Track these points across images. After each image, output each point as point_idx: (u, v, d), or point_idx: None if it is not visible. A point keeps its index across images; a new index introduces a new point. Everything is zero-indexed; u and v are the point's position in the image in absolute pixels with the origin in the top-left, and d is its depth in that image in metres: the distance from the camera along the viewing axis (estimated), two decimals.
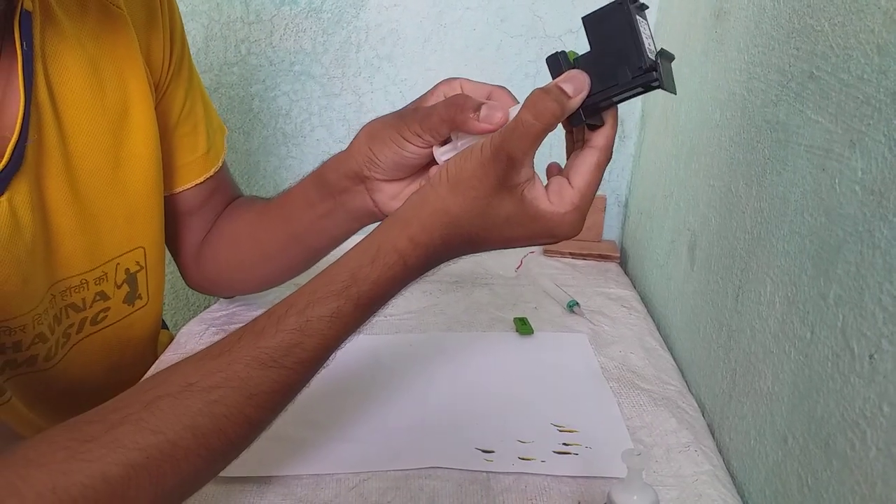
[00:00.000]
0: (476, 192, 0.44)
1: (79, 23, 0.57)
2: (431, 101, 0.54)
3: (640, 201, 1.01)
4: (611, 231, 1.09)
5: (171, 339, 0.84)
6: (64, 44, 0.56)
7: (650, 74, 0.42)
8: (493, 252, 1.02)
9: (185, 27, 0.69)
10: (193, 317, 0.83)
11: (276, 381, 0.42)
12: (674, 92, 0.44)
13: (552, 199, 0.45)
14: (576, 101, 0.44)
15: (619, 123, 1.07)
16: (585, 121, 0.45)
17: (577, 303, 0.83)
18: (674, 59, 0.44)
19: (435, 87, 0.55)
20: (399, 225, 0.45)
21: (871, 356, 0.41)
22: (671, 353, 0.77)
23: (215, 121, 0.74)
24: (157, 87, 0.66)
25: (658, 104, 0.94)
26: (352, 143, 0.59)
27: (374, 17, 1.00)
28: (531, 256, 1.01)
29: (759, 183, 0.58)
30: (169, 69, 0.66)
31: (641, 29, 0.43)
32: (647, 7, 0.44)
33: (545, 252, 1.03)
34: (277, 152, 1.08)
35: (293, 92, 1.04)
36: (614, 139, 0.46)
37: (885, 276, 0.40)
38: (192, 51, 0.70)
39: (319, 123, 1.06)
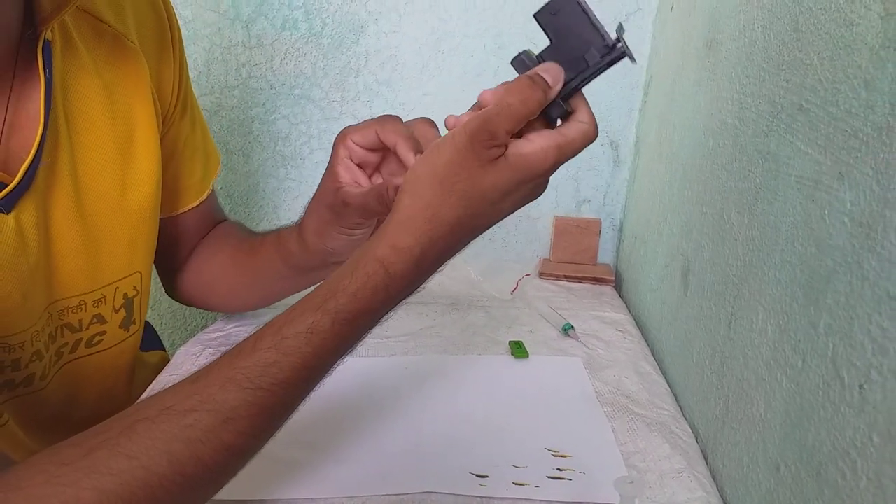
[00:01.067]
0: (456, 176, 0.44)
1: (94, 51, 0.59)
2: (340, 169, 0.58)
3: (634, 226, 1.02)
4: (605, 255, 1.10)
5: (167, 359, 0.84)
6: (82, 72, 0.58)
7: (617, 50, 0.45)
8: (488, 274, 1.04)
9: (186, 51, 0.70)
10: (190, 335, 0.83)
11: (254, 403, 0.40)
12: (634, 60, 0.46)
13: (532, 138, 0.45)
14: (554, 91, 0.45)
15: (614, 149, 1.08)
16: (564, 108, 0.47)
17: (572, 326, 0.84)
18: (624, 31, 0.46)
19: (334, 151, 0.59)
20: (379, 235, 0.45)
21: (860, 386, 0.41)
22: (665, 378, 0.77)
23: (210, 144, 0.76)
24: (165, 118, 0.68)
25: (652, 131, 0.95)
26: (303, 236, 0.64)
27: (373, 42, 1.01)
28: (526, 279, 1.02)
29: (751, 211, 0.59)
30: (178, 100, 0.68)
31: (592, 10, 0.45)
32: None
33: (540, 275, 1.03)
34: (276, 174, 1.09)
35: (293, 115, 1.05)
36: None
37: (873, 307, 0.40)
38: (194, 74, 0.71)
39: (318, 146, 1.07)
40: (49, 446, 0.39)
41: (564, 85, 0.46)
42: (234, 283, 0.75)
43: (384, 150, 0.58)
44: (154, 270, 0.74)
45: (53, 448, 0.38)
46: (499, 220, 0.47)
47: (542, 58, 0.47)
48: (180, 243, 0.76)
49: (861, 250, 0.42)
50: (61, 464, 0.37)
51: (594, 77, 0.46)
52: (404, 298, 0.45)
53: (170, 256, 0.76)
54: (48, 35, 0.53)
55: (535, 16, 0.46)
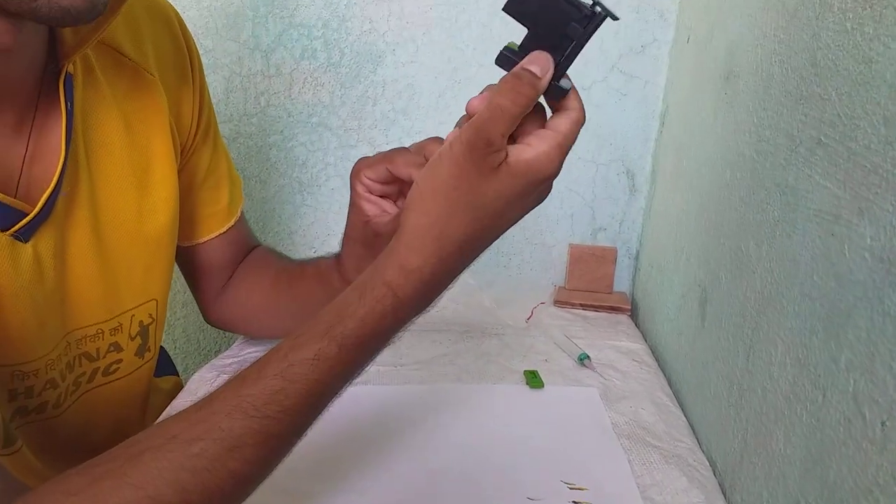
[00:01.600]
0: (458, 190, 0.43)
1: (115, 84, 0.60)
2: (363, 203, 0.58)
3: (650, 255, 1.02)
4: (621, 283, 1.10)
5: (180, 385, 0.85)
6: (102, 103, 0.59)
7: (598, 15, 0.43)
8: (503, 301, 1.04)
9: (206, 79, 0.72)
10: (204, 361, 0.83)
11: (260, 431, 0.40)
12: (616, 17, 0.44)
13: (532, 143, 0.44)
14: (545, 81, 0.43)
15: (630, 177, 1.09)
16: (563, 87, 0.45)
17: (588, 356, 0.84)
18: None
19: (352, 188, 0.59)
20: (386, 257, 0.44)
21: (883, 423, 0.41)
22: (682, 410, 0.76)
23: (233, 173, 0.77)
24: (184, 148, 0.69)
25: (669, 160, 0.96)
26: (345, 275, 0.64)
27: (390, 72, 1.03)
28: (542, 307, 1.02)
29: (769, 244, 0.59)
30: (197, 131, 0.70)
31: None
32: None
33: (555, 303, 1.03)
34: (293, 200, 1.10)
35: (310, 142, 1.07)
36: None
37: (895, 343, 0.40)
38: (213, 101, 0.72)
39: (335, 173, 1.08)
40: (60, 472, 0.39)
41: (555, 67, 0.44)
42: (279, 311, 0.75)
43: (401, 180, 0.58)
44: (170, 298, 0.75)
45: (61, 477, 0.38)
46: (508, 229, 0.47)
47: (524, 48, 0.45)
48: (214, 270, 0.76)
49: (882, 286, 0.42)
50: (68, 493, 0.37)
51: (582, 47, 0.45)
52: (413, 319, 0.45)
53: (206, 284, 0.77)
54: (70, 68, 0.54)
55: (504, 9, 0.44)
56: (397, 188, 0.59)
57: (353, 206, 0.59)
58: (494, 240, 0.46)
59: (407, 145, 1.12)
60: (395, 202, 0.60)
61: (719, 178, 0.73)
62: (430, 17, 1.00)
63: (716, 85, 0.77)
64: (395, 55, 1.02)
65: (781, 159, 0.58)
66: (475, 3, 0.99)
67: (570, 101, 0.46)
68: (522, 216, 0.46)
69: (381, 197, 0.59)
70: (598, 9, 0.43)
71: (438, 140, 0.54)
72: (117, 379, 0.66)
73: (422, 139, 0.56)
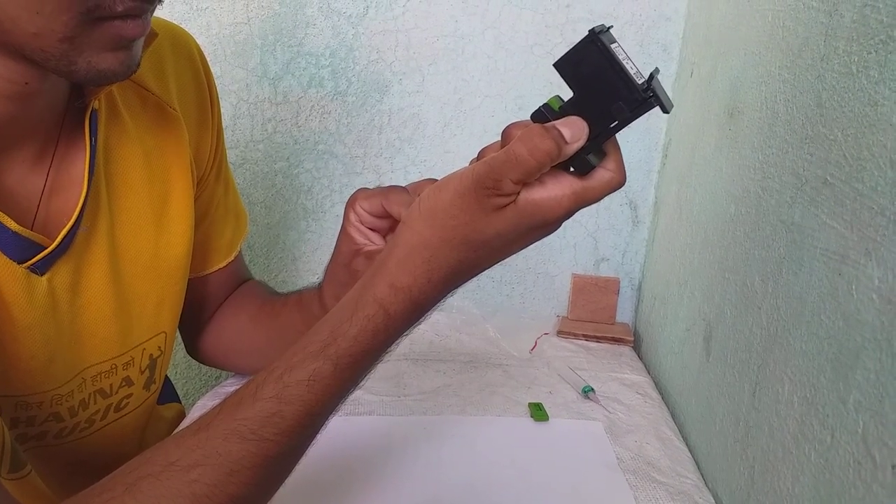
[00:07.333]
0: (456, 220, 0.42)
1: (137, 118, 0.61)
2: (352, 232, 0.58)
3: (653, 286, 1.02)
4: (623, 314, 1.10)
5: (182, 412, 0.84)
6: (124, 138, 0.59)
7: (648, 102, 0.40)
8: (506, 331, 1.04)
9: None
10: (204, 387, 0.83)
11: (258, 454, 0.40)
12: (671, 107, 0.41)
13: (547, 183, 0.42)
14: (572, 148, 0.41)
15: (633, 209, 1.08)
16: (590, 162, 0.43)
17: (592, 388, 0.83)
18: (659, 72, 0.42)
19: (345, 215, 0.59)
20: (377, 273, 0.44)
21: (893, 467, 0.41)
22: (686, 444, 0.76)
23: (239, 205, 0.77)
24: (200, 180, 0.69)
25: (672, 192, 0.96)
26: (324, 301, 0.64)
27: (396, 101, 1.04)
28: (545, 338, 1.02)
29: (775, 281, 0.59)
30: (213, 164, 0.70)
31: (620, 57, 0.40)
32: (612, 26, 0.42)
33: (559, 333, 1.03)
34: (297, 226, 1.10)
35: (315, 169, 1.07)
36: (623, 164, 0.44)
37: None
38: None
39: (340, 200, 1.08)
40: (64, 496, 0.39)
41: (590, 139, 0.42)
42: (257, 343, 0.75)
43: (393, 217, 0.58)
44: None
45: None
46: (504, 259, 0.46)
47: (564, 110, 0.42)
48: (205, 303, 0.76)
49: (891, 328, 0.42)
50: None
51: (624, 127, 0.42)
52: (404, 334, 0.45)
53: (194, 317, 0.76)
54: (95, 104, 0.55)
55: (555, 65, 0.42)
56: (388, 224, 0.59)
57: (343, 233, 0.60)
58: (489, 268, 0.46)
59: (411, 174, 1.12)
60: (384, 237, 0.60)
61: (724, 212, 0.73)
62: (436, 49, 1.01)
63: (720, 120, 0.78)
64: (401, 85, 1.03)
65: (787, 197, 0.58)
66: (481, 35, 1.00)
67: (610, 162, 0.43)
68: (521, 250, 0.46)
69: (370, 230, 0.59)
70: (652, 95, 0.40)
71: (433, 181, 0.54)
72: (126, 414, 0.66)
73: (427, 168, 0.56)
